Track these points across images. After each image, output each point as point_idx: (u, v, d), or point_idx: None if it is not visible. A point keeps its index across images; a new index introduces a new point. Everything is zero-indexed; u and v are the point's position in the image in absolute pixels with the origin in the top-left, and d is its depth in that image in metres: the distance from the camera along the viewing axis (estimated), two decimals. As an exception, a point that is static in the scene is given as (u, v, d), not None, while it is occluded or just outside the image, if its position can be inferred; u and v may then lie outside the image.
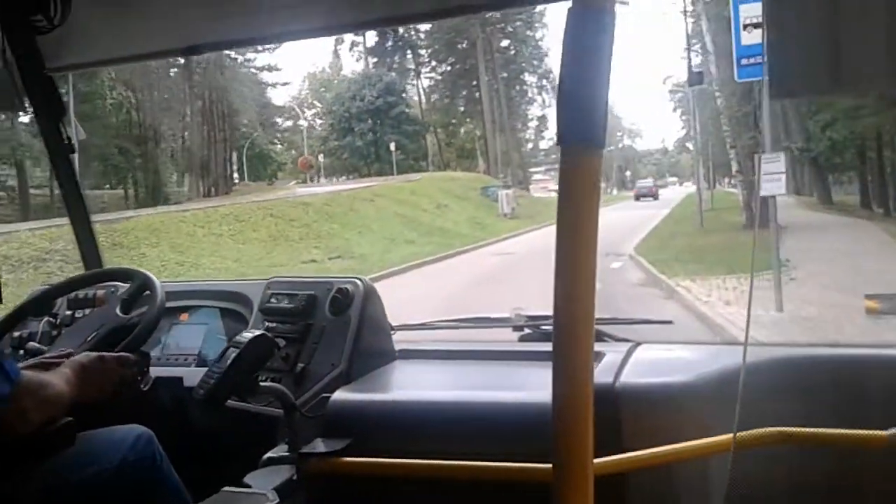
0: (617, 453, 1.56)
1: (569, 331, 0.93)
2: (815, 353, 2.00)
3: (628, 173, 68.88)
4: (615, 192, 60.41)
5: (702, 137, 28.26)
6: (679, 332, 3.13)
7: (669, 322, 2.56)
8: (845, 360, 1.94)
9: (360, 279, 2.14)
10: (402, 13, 2.04)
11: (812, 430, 1.60)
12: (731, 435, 1.42)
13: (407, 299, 7.91)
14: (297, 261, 15.87)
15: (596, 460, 0.98)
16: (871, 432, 1.56)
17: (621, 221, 23.48)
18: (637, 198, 42.52)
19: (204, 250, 15.60)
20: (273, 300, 2.17)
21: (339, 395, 1.85)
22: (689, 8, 22.68)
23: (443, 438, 1.71)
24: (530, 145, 56.08)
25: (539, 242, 17.39)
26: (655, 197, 41.65)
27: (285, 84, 50.40)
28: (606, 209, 35.00)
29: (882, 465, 1.62)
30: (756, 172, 19.18)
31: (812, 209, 24.44)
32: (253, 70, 41.63)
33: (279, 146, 49.10)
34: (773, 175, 7.99)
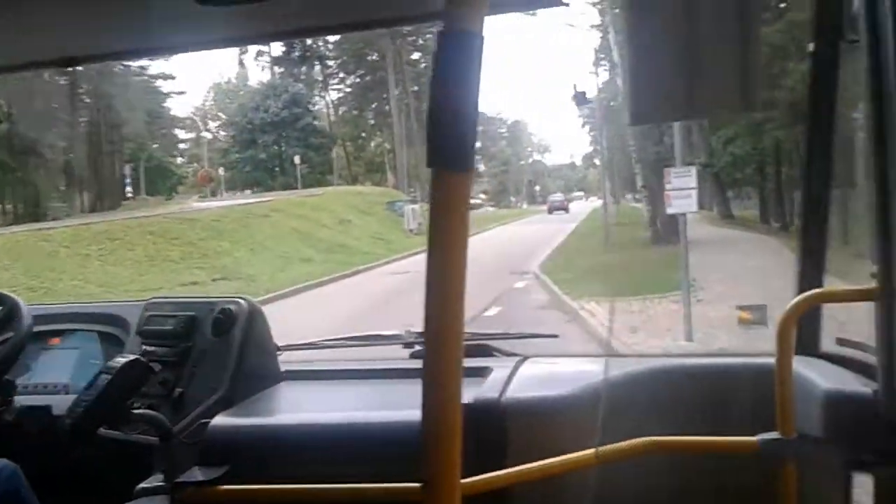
0: (503, 467, 1.63)
1: (438, 349, 0.95)
2: (689, 363, 2.10)
3: (538, 188, 69.39)
4: (525, 206, 60.62)
5: (608, 152, 28.29)
6: (566, 345, 3.09)
7: (555, 336, 2.66)
8: (717, 368, 2.05)
9: (244, 299, 2.10)
10: (305, 25, 1.96)
11: (683, 438, 1.70)
12: (604, 448, 1.57)
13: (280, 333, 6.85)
14: (176, 283, 14.46)
15: (465, 480, 1.02)
16: (740, 439, 1.66)
17: (529, 236, 22.99)
18: (550, 211, 43.86)
19: (65, 273, 14.08)
20: (151, 322, 2.12)
21: (219, 420, 1.81)
22: (597, 21, 22.56)
23: (325, 462, 1.69)
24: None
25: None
26: (567, 210, 42.96)
27: (181, 93, 48.31)
28: (516, 224, 34.79)
29: (752, 470, 1.69)
30: (659, 187, 19.16)
31: (714, 224, 24.64)
32: (146, 78, 39.39)
33: (180, 159, 46.85)
34: (683, 191, 7.34)
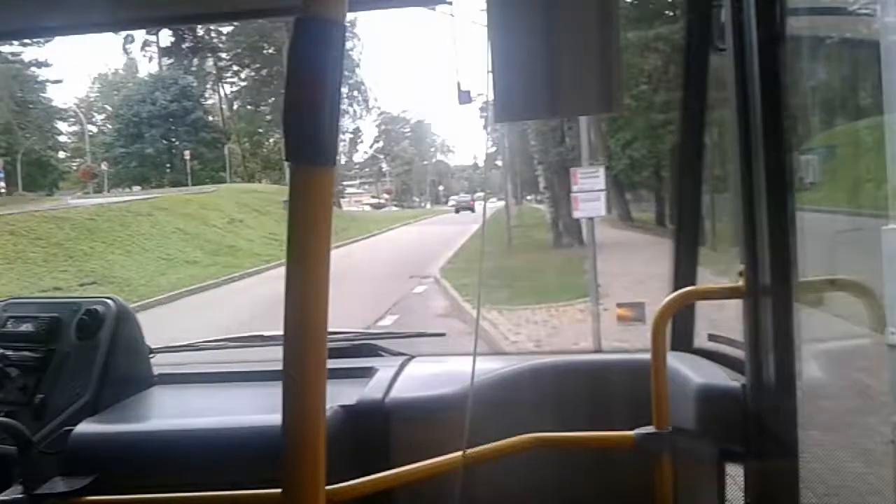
0: (389, 468, 1.65)
1: (299, 352, 0.93)
2: (571, 360, 2.15)
3: (441, 188, 69.22)
4: (429, 206, 60.21)
5: (510, 153, 28.11)
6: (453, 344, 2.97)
7: (443, 334, 2.61)
8: (597, 365, 2.12)
9: (112, 299, 2.02)
10: (193, 12, 1.95)
11: (563, 434, 1.77)
12: (474, 449, 1.61)
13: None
14: (36, 289, 12.91)
15: (330, 486, 1.07)
16: (618, 433, 1.74)
17: (432, 237, 22.38)
18: (458, 210, 44.38)
19: None
20: (9, 324, 2.03)
21: (83, 427, 1.75)
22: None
23: (194, 469, 1.65)
24: (344, 158, 54.69)
25: (339, 263, 15.71)
26: (473, 210, 43.23)
27: (56, 82, 45.16)
28: (419, 224, 34.16)
29: (630, 463, 1.74)
30: (561, 189, 19.00)
31: (614, 226, 24.75)
32: (18, 65, 36.49)
33: (62, 153, 44.28)
34: (592, 193, 6.75)
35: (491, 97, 1.16)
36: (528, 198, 42.41)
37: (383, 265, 17.40)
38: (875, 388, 1.70)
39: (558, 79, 1.14)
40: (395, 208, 53.42)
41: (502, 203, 27.33)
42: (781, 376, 1.53)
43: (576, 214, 7.24)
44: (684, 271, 2.14)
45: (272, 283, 15.04)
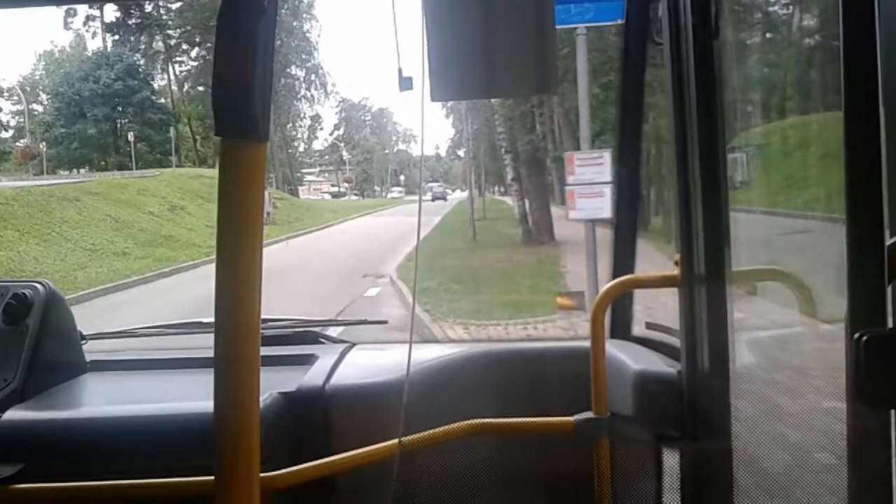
0: (330, 454, 1.68)
1: (231, 338, 0.93)
2: (512, 348, 2.26)
3: (402, 178, 67.88)
4: (389, 195, 58.86)
5: (474, 142, 26.84)
6: (394, 332, 2.75)
7: (385, 322, 2.60)
8: (538, 352, 2.16)
9: (41, 283, 1.99)
10: None
11: (504, 420, 1.82)
12: (411, 437, 1.64)
13: None
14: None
15: (265, 474, 1.11)
16: (558, 419, 1.82)
17: (390, 229, 20.80)
18: (434, 199, 45.28)
19: None
20: None
21: (11, 414, 1.75)
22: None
23: (125, 457, 1.64)
24: (303, 145, 53.36)
25: (282, 255, 14.08)
26: (446, 199, 44.28)
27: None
28: (377, 215, 32.64)
29: (570, 447, 1.82)
30: (531, 181, 17.71)
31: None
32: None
33: (3, 133, 41.85)
34: (592, 187, 5.14)
35: (426, 76, 1.16)
36: (492, 189, 41.67)
37: (334, 261, 15.85)
38: (805, 370, 1.83)
39: (494, 58, 1.15)
40: (354, 197, 52.16)
41: (465, 195, 26.19)
42: (715, 362, 1.60)
43: (572, 216, 5.59)
44: (623, 260, 2.17)
45: (207, 282, 13.32)
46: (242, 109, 0.91)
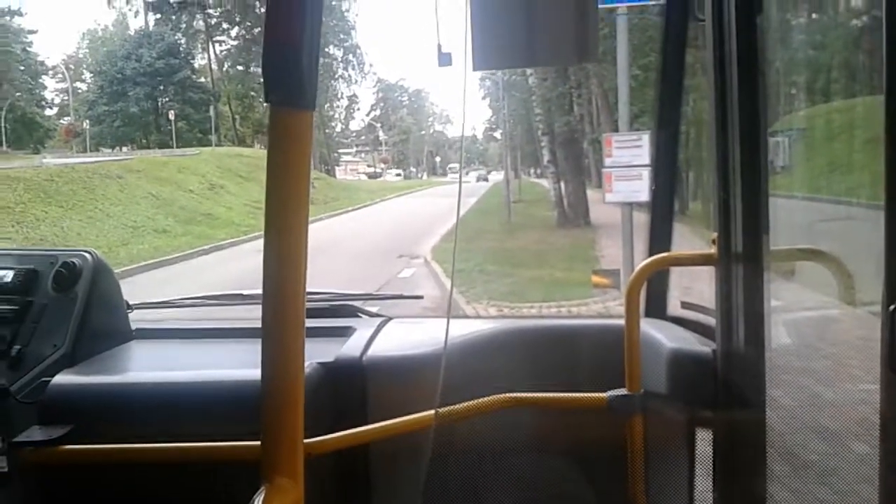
0: (363, 423, 1.71)
1: (278, 307, 0.94)
2: (546, 325, 2.26)
3: (438, 159, 67.77)
4: (426, 176, 58.81)
5: (511, 124, 26.64)
6: (428, 312, 2.92)
7: (420, 297, 2.77)
8: (572, 329, 2.15)
9: (89, 252, 2.02)
10: None
11: (538, 395, 1.84)
12: (447, 408, 1.67)
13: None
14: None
15: (308, 440, 1.10)
16: (592, 395, 1.82)
17: (426, 210, 20.78)
18: (478, 180, 46.35)
19: None
20: None
21: (61, 378, 1.78)
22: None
23: (171, 421, 1.67)
24: (339, 126, 53.56)
25: (321, 236, 14.16)
26: (487, 180, 45.16)
27: (32, 32, 43.12)
28: (413, 196, 32.65)
29: (602, 424, 1.82)
30: (567, 163, 17.55)
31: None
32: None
33: (49, 110, 43.05)
34: (631, 169, 5.07)
35: (469, 46, 1.16)
36: (528, 172, 41.40)
37: (370, 240, 15.91)
38: (841, 353, 1.82)
39: (535, 27, 1.16)
40: (397, 177, 52.14)
41: (500, 176, 26.03)
42: (751, 342, 1.58)
43: (609, 198, 5.53)
44: (659, 240, 2.18)
45: (246, 261, 13.53)
46: (291, 76, 0.92)
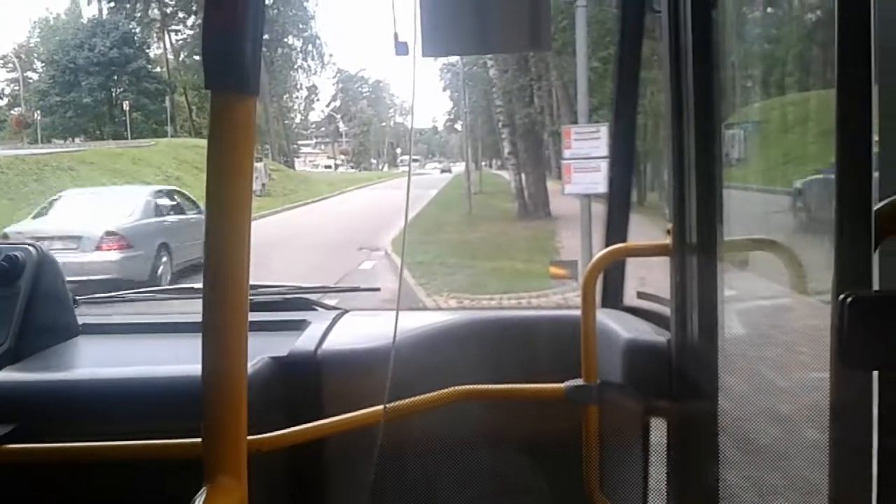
0: (318, 418, 1.69)
1: (218, 300, 0.91)
2: (503, 316, 2.30)
3: (399, 150, 67.60)
4: (386, 168, 58.56)
5: (471, 116, 26.68)
6: (386, 301, 2.84)
7: (377, 289, 2.66)
8: (529, 321, 2.19)
9: (33, 245, 2.00)
10: None
11: (493, 386, 1.83)
12: (411, 399, 1.68)
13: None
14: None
15: (252, 437, 1.11)
16: (548, 386, 1.82)
17: (387, 202, 20.76)
18: (441, 172, 47.36)
19: None
20: None
21: (4, 375, 1.76)
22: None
23: (116, 419, 1.66)
24: (299, 117, 53.06)
25: (278, 231, 14.06)
26: (450, 171, 45.59)
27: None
28: (373, 188, 32.52)
29: (559, 415, 1.84)
30: (527, 154, 17.65)
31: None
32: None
33: (-1, 101, 41.39)
34: (589, 161, 5.13)
35: (419, 32, 1.15)
36: (490, 163, 41.53)
37: (331, 234, 15.82)
38: (793, 341, 1.81)
39: (487, 14, 1.14)
40: (351, 170, 51.92)
41: (461, 168, 26.10)
42: (704, 331, 1.60)
43: (568, 190, 5.56)
44: (616, 231, 2.18)
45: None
46: (233, 60, 0.89)
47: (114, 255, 9.30)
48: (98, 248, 9.31)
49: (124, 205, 10.63)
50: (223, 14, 0.88)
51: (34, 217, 10.93)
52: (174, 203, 11.59)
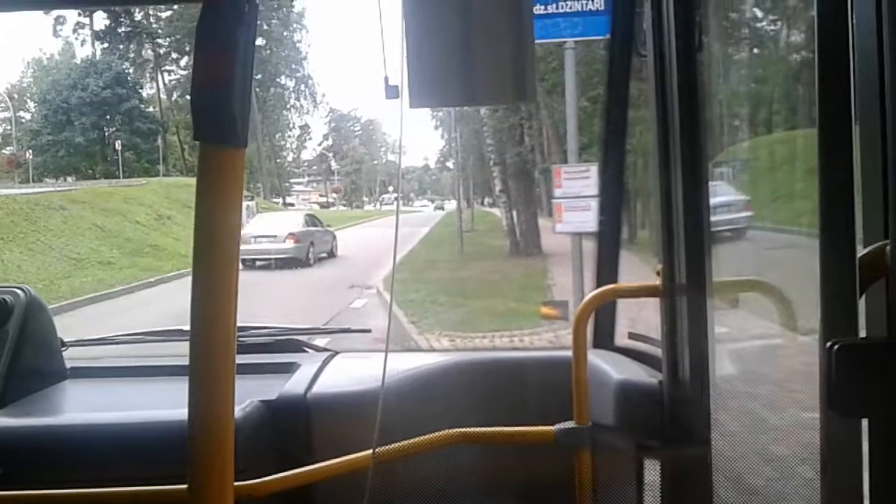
0: (308, 463, 1.67)
1: (206, 343, 0.92)
2: (495, 357, 2.27)
3: (391, 188, 67.86)
4: (379, 206, 58.76)
5: (463, 154, 26.86)
6: (379, 343, 2.84)
7: (368, 331, 2.62)
8: (521, 361, 2.18)
9: (22, 289, 1.97)
10: None
11: (486, 429, 1.82)
12: (402, 443, 1.67)
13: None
14: None
15: (240, 483, 1.10)
16: (539, 428, 1.81)
17: (379, 240, 20.78)
18: (435, 209, 47.83)
19: None
20: None
21: None
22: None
23: (103, 464, 1.64)
24: (291, 156, 53.41)
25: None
26: (444, 209, 45.71)
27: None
28: (365, 226, 32.53)
29: (551, 457, 1.81)
30: (518, 193, 17.74)
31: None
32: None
33: (-11, 140, 41.62)
34: (580, 200, 5.16)
35: (406, 84, 1.17)
36: (482, 201, 41.73)
37: (322, 272, 15.81)
38: (784, 380, 1.84)
39: (472, 66, 1.16)
40: (343, 208, 52.08)
41: (453, 206, 26.21)
42: (696, 371, 1.58)
43: (559, 228, 5.59)
44: (606, 270, 2.17)
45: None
46: (221, 113, 0.91)
47: (291, 244, 16.77)
48: (285, 241, 16.67)
49: (293, 220, 18.89)
50: (212, 68, 0.89)
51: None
52: (313, 221, 19.36)
